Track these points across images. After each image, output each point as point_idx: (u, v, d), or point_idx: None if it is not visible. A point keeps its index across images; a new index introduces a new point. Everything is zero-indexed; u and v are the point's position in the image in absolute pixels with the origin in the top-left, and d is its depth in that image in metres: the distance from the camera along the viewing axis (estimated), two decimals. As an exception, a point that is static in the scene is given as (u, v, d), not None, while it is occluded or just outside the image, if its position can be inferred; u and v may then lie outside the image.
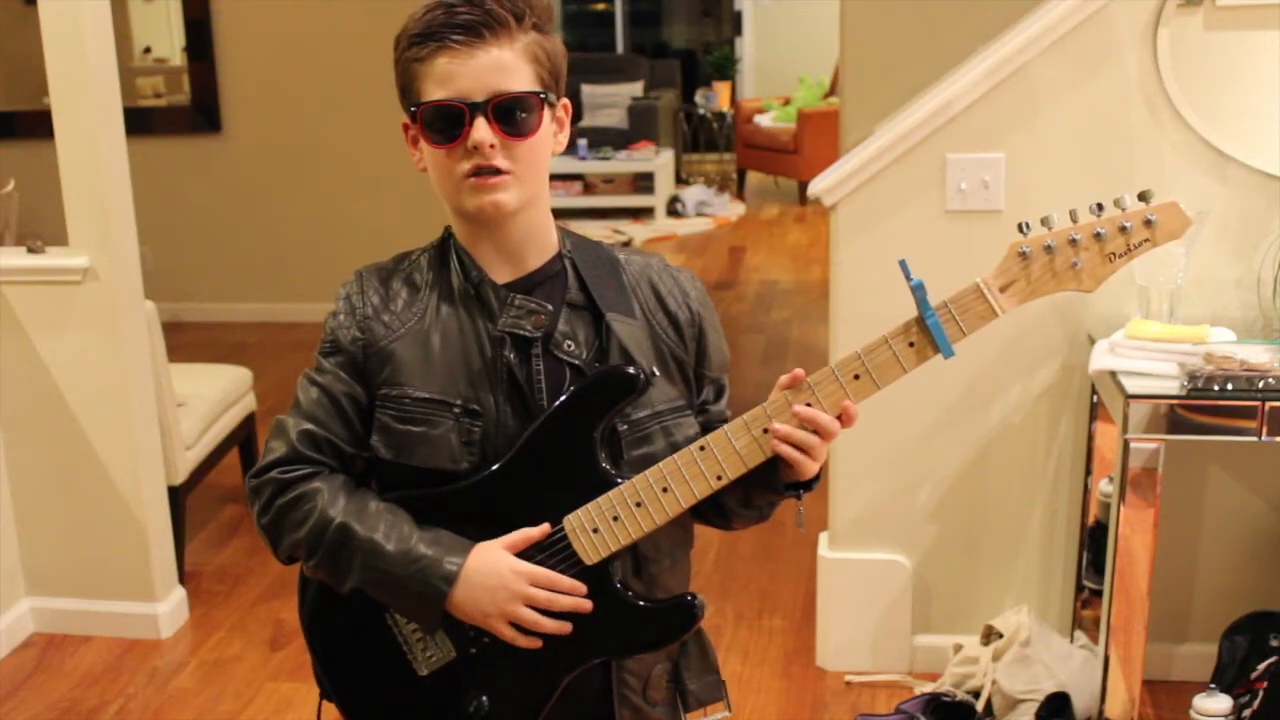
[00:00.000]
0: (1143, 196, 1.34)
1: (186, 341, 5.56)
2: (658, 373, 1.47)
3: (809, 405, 1.39)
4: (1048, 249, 1.36)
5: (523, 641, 1.42)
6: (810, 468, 1.42)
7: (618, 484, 1.42)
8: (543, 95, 1.42)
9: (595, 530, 1.42)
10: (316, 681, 1.58)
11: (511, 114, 1.39)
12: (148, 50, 6.48)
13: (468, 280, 1.47)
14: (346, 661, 1.53)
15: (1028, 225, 1.36)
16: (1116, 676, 2.45)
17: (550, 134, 1.45)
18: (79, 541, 3.25)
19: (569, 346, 1.46)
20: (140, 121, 5.51)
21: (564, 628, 1.42)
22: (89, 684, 3.06)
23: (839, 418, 1.40)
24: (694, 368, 1.54)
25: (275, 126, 6.05)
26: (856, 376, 1.38)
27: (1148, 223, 1.33)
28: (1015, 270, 1.36)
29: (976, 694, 2.69)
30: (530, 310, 1.45)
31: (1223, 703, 2.51)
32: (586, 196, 8.93)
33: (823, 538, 2.99)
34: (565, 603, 1.41)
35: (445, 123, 1.40)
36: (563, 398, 1.43)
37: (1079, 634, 2.84)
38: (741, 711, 2.85)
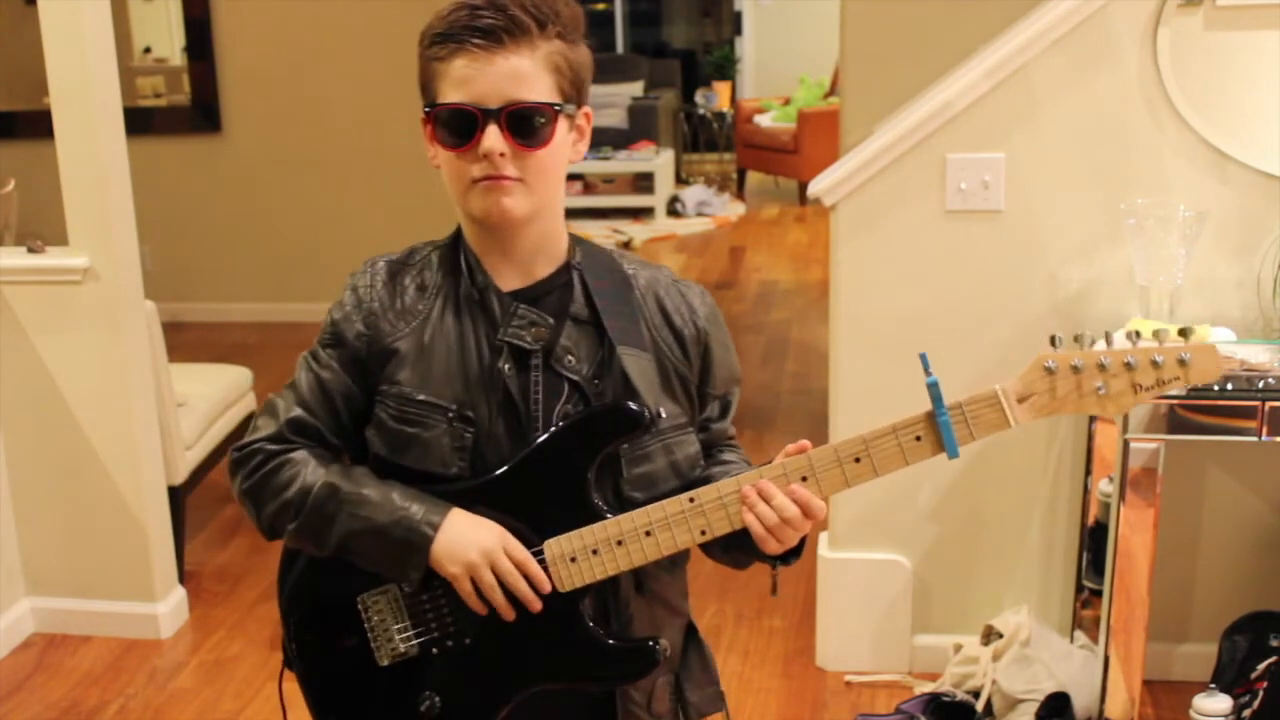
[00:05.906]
0: (1183, 333, 1.31)
1: (186, 341, 5.56)
2: (664, 413, 1.46)
3: (805, 480, 1.39)
4: (1075, 369, 1.32)
5: (474, 602, 1.41)
6: (774, 546, 1.41)
7: (605, 518, 1.41)
8: (559, 107, 1.41)
9: (573, 559, 1.41)
10: (283, 649, 1.59)
11: (525, 124, 1.38)
12: (148, 50, 6.48)
13: (474, 285, 1.46)
14: (312, 638, 1.54)
15: (1059, 339, 1.33)
16: (1116, 676, 2.45)
17: (566, 144, 1.44)
18: (79, 541, 3.25)
19: (570, 361, 1.45)
20: (140, 121, 5.51)
21: (507, 610, 1.41)
22: (89, 684, 3.06)
23: (805, 510, 1.39)
24: (697, 385, 1.54)
25: (275, 126, 6.04)
26: (857, 459, 1.38)
27: (1181, 361, 1.30)
28: (1038, 384, 1.33)
29: (976, 694, 2.69)
30: (532, 322, 1.45)
31: (1223, 703, 2.51)
32: (586, 196, 8.93)
33: (823, 538, 2.99)
34: (522, 586, 1.40)
35: (458, 126, 1.39)
36: (565, 422, 1.43)
37: (1079, 634, 2.84)
38: (741, 711, 2.85)
